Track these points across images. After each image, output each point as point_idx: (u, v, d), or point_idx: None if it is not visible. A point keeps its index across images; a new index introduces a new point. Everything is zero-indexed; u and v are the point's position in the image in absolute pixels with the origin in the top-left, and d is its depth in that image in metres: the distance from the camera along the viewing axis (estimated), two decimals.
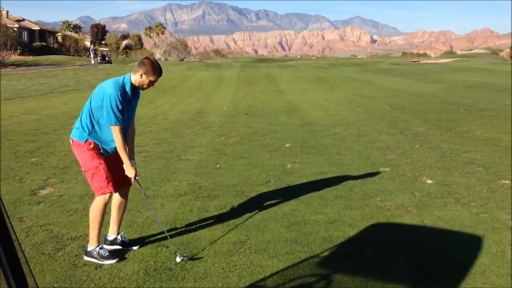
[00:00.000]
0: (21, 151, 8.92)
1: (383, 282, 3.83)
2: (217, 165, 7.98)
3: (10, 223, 1.30)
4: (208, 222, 5.28)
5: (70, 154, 8.55)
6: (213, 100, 19.98)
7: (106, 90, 4.06)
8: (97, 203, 4.25)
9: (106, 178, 4.18)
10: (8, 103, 17.67)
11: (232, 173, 7.47)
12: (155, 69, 4.17)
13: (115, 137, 4.11)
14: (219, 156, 8.71)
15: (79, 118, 4.23)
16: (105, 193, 4.21)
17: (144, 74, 4.14)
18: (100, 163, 4.18)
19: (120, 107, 4.04)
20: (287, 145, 9.81)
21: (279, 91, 24.42)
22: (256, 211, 5.63)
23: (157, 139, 10.40)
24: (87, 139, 4.16)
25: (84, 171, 4.27)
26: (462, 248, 4.66)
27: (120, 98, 4.04)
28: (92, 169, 4.18)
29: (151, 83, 4.22)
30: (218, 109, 16.57)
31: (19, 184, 6.71)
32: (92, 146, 4.18)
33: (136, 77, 4.16)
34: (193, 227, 5.11)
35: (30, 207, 5.71)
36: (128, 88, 4.16)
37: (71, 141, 4.26)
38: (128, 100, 4.19)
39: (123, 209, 4.55)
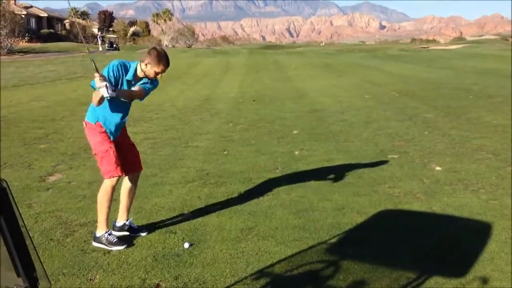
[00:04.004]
0: (30, 138, 8.96)
1: (391, 269, 3.83)
2: (225, 152, 7.98)
3: (18, 209, 1.30)
4: (215, 208, 5.28)
5: (78, 141, 8.60)
6: (221, 87, 19.94)
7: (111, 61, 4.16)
8: (105, 186, 4.27)
9: (115, 162, 4.20)
10: (17, 90, 17.74)
11: (240, 160, 7.47)
12: (160, 60, 4.12)
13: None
14: (227, 143, 8.71)
15: None
16: (113, 177, 4.23)
17: (149, 64, 4.12)
18: (110, 147, 4.21)
19: (113, 74, 4.06)
20: (294, 132, 9.78)
21: (287, 77, 24.33)
22: (264, 197, 5.63)
23: (165, 126, 10.40)
24: (97, 121, 4.18)
25: (94, 154, 4.29)
26: (471, 235, 4.64)
27: (118, 68, 4.09)
28: (102, 152, 4.20)
29: (156, 74, 4.18)
30: (225, 96, 16.54)
31: (27, 171, 6.74)
32: (103, 130, 4.21)
33: (143, 67, 4.16)
34: (201, 213, 5.12)
35: (38, 193, 5.74)
36: (131, 71, 4.16)
37: (84, 124, 4.27)
38: (127, 81, 4.17)
39: (132, 195, 4.56)
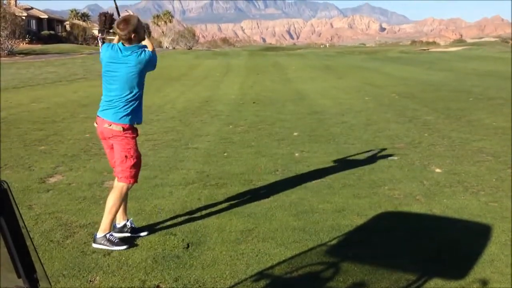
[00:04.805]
0: (30, 139, 8.97)
1: (391, 271, 3.83)
2: (225, 154, 7.98)
3: (19, 210, 1.30)
4: (215, 210, 5.28)
5: (78, 142, 8.62)
6: (221, 88, 19.96)
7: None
8: (122, 189, 4.30)
9: (139, 170, 4.39)
10: (17, 92, 17.76)
11: (240, 161, 7.47)
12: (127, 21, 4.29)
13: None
14: (227, 145, 8.71)
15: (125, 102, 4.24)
16: (132, 183, 4.36)
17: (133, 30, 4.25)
18: (140, 155, 4.38)
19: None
20: (295, 133, 9.78)
21: (287, 79, 24.35)
22: (264, 199, 5.63)
23: (165, 128, 10.41)
24: (135, 122, 4.29)
25: (126, 156, 4.25)
26: (471, 237, 4.64)
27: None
28: (136, 157, 4.30)
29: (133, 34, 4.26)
30: (226, 97, 16.55)
31: (28, 172, 6.75)
32: (135, 135, 4.32)
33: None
34: (201, 215, 5.12)
35: (39, 194, 5.74)
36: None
37: (120, 128, 4.19)
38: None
39: (127, 193, 4.56)
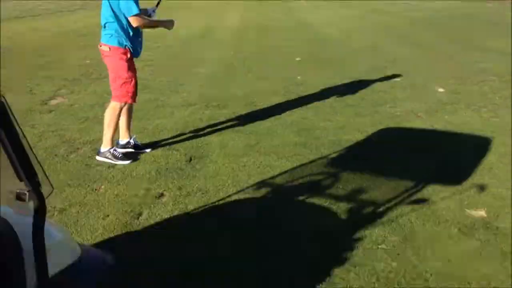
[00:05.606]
0: (31, 65, 8.89)
1: (389, 179, 3.89)
2: (227, 78, 7.92)
3: (17, 122, 1.27)
4: (218, 128, 5.33)
5: (79, 68, 8.56)
6: (223, 17, 19.55)
7: None
8: (114, 106, 4.35)
9: (133, 92, 4.36)
10: (18, 22, 17.46)
11: (242, 85, 7.42)
12: None
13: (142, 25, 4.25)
14: (229, 69, 8.63)
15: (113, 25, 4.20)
16: (124, 102, 4.35)
17: None
18: (134, 76, 4.35)
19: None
20: (297, 58, 9.65)
21: (290, 8, 23.78)
22: (266, 118, 5.64)
23: (166, 54, 10.28)
24: (125, 46, 4.23)
25: (114, 77, 4.29)
26: (471, 148, 4.71)
27: None
28: (126, 78, 4.28)
29: None
30: (227, 26, 16.23)
31: (29, 95, 6.74)
32: (130, 56, 4.28)
33: None
34: (203, 133, 5.17)
35: (41, 115, 5.77)
36: None
37: (107, 48, 4.22)
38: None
39: (130, 113, 4.57)
